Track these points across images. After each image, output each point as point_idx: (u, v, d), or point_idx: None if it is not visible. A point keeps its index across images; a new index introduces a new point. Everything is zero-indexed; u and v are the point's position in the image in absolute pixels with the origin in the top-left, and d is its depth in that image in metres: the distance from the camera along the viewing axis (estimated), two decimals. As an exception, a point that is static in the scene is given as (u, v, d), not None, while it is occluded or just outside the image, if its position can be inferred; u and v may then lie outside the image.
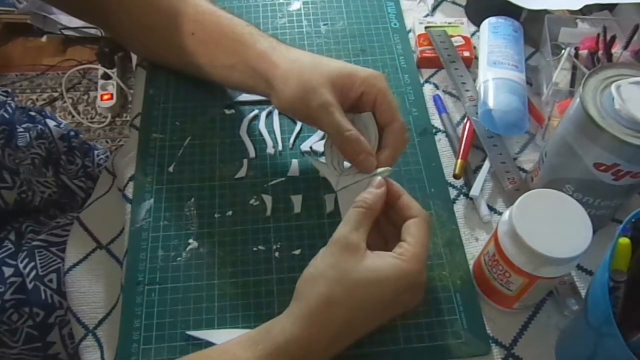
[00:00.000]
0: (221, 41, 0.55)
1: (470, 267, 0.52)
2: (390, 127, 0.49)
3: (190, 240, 0.54)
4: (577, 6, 0.63)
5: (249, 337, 0.42)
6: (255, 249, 0.53)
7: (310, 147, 0.60)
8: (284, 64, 0.51)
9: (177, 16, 0.57)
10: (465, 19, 0.70)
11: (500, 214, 0.56)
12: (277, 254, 0.53)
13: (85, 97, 1.79)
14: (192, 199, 0.56)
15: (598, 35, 0.61)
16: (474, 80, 0.64)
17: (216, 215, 0.55)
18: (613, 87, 0.43)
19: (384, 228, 0.48)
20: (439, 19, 0.71)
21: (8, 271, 0.62)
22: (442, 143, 0.61)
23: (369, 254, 0.43)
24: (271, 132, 0.61)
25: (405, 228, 0.44)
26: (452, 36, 0.67)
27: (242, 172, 0.58)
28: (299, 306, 0.42)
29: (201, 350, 0.46)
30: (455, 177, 0.57)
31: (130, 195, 0.57)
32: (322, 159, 0.54)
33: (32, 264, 0.62)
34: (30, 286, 0.61)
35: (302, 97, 0.48)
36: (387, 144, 0.49)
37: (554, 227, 0.42)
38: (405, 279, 0.42)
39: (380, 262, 0.42)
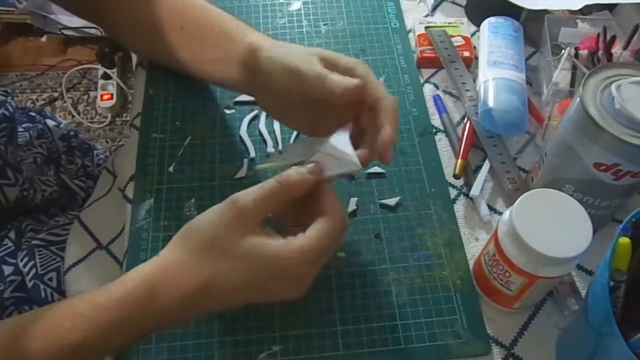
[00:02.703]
0: (208, 35, 0.55)
1: (470, 267, 0.52)
2: (382, 104, 0.46)
3: (190, 240, 0.54)
4: (577, 6, 0.63)
5: (111, 282, 0.42)
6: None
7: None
8: (269, 48, 0.50)
9: (166, 10, 0.57)
10: (465, 19, 0.70)
11: (500, 214, 0.56)
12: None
13: (85, 97, 1.79)
14: (192, 199, 0.56)
15: (598, 35, 0.61)
16: (474, 80, 0.64)
17: (216, 215, 0.55)
18: (613, 87, 0.43)
19: (301, 216, 0.46)
20: (439, 19, 0.71)
21: (8, 269, 0.62)
22: (442, 143, 0.61)
23: (257, 230, 0.41)
24: (271, 132, 0.61)
25: (315, 222, 0.42)
26: (452, 36, 0.67)
27: (242, 172, 0.58)
28: (164, 253, 0.41)
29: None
30: (455, 177, 0.57)
31: (130, 195, 0.57)
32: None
33: (32, 262, 0.62)
34: (30, 284, 0.61)
35: (293, 74, 0.46)
36: (385, 121, 0.45)
37: (554, 227, 0.42)
38: (278, 267, 0.40)
39: (261, 242, 0.40)
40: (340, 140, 0.46)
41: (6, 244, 0.64)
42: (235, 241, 0.40)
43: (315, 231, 0.41)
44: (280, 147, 0.60)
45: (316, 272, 0.43)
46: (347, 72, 0.47)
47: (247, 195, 0.41)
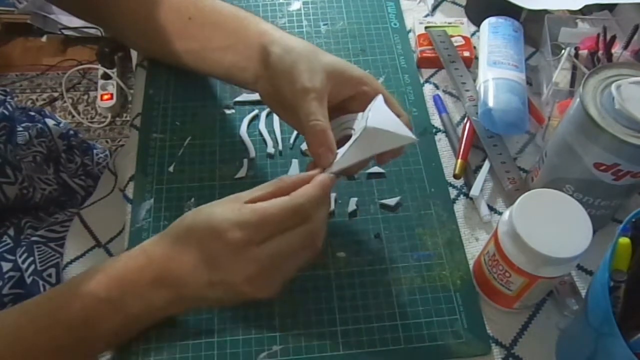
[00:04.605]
0: (221, 23, 0.56)
1: (470, 267, 0.52)
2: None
3: (190, 240, 0.54)
4: (577, 6, 0.63)
5: (110, 259, 0.46)
6: (255, 248, 0.53)
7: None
8: (285, 42, 0.50)
9: (173, 2, 0.58)
10: (465, 19, 0.70)
11: (500, 214, 0.56)
12: (277, 253, 0.53)
13: (85, 97, 1.79)
14: (192, 199, 0.56)
15: (598, 35, 0.61)
16: (474, 80, 0.64)
17: (216, 215, 0.55)
18: (613, 87, 0.43)
19: None
20: (439, 19, 0.71)
21: (6, 266, 0.62)
22: (442, 143, 0.61)
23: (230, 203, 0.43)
24: (271, 132, 0.61)
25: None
26: (452, 36, 0.67)
27: (242, 172, 0.58)
28: (158, 238, 0.45)
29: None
30: (455, 177, 0.57)
31: (130, 195, 0.57)
32: None
33: (31, 258, 0.62)
34: (28, 281, 0.61)
35: (291, 76, 0.46)
36: None
37: (554, 227, 0.42)
38: (217, 230, 0.41)
39: (213, 210, 0.43)
40: (382, 110, 0.44)
41: (5, 241, 0.64)
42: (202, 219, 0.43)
43: (269, 203, 0.42)
44: (280, 147, 0.60)
45: (272, 257, 0.42)
46: (360, 84, 0.48)
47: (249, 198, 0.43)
